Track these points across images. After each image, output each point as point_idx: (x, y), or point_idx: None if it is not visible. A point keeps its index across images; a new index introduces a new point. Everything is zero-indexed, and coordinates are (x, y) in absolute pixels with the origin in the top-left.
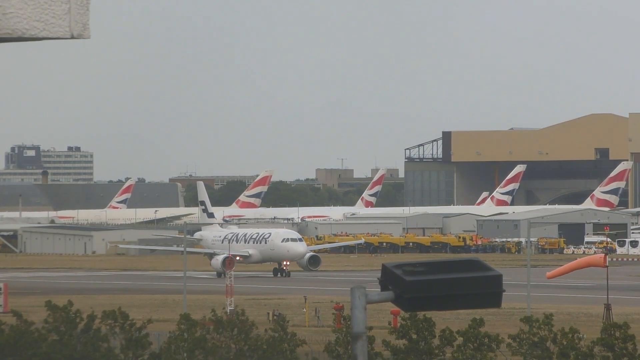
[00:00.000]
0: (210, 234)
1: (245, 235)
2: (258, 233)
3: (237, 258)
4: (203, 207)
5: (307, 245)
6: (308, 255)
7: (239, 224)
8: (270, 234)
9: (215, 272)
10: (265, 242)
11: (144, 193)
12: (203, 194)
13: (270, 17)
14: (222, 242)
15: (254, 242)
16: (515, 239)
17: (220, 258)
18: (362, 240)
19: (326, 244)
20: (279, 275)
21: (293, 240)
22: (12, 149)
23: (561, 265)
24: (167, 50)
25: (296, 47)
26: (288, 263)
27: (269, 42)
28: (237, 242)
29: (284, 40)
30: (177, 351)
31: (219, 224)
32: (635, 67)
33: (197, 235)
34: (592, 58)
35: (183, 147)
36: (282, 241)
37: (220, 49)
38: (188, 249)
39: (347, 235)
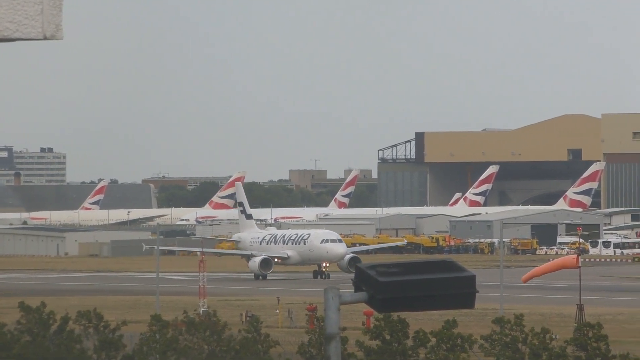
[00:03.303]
0: (249, 235)
1: (283, 237)
2: (297, 234)
3: (276, 260)
4: (241, 208)
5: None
6: (348, 256)
7: (212, 224)
8: (309, 234)
9: (253, 274)
10: (304, 244)
11: (116, 194)
12: (241, 195)
13: (243, 20)
14: (260, 244)
15: (292, 244)
16: (488, 240)
17: (257, 260)
18: (405, 242)
19: (367, 246)
20: (319, 277)
21: (332, 241)
22: None
23: (534, 267)
24: (139, 51)
25: (269, 49)
26: (327, 265)
27: (243, 43)
28: (275, 244)
29: (257, 42)
30: (150, 352)
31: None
32: (608, 68)
33: (235, 237)
34: (564, 59)
35: (156, 148)
36: (322, 242)
37: (194, 50)
38: (225, 251)
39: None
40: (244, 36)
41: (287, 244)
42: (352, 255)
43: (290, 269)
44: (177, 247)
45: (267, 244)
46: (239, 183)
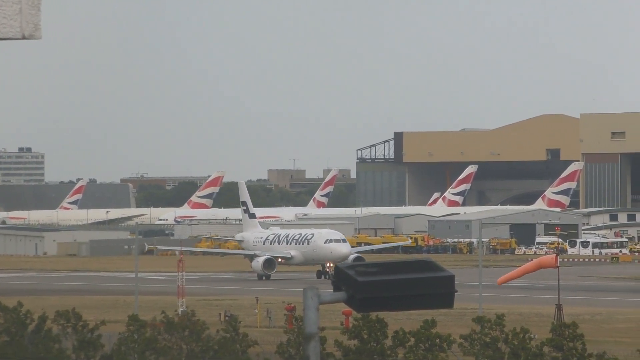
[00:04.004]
0: (252, 235)
1: (287, 237)
2: (300, 234)
3: (279, 260)
4: (244, 208)
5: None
6: (352, 256)
7: (191, 224)
8: (313, 234)
9: (256, 275)
10: (308, 243)
11: (95, 194)
12: (244, 194)
13: (223, 21)
14: (264, 244)
15: (296, 243)
16: (467, 240)
17: (260, 260)
18: (409, 241)
19: (372, 245)
20: (322, 277)
21: (336, 241)
22: None
23: (513, 267)
24: (118, 51)
25: (247, 47)
26: (331, 265)
27: (222, 44)
28: (279, 244)
29: (235, 41)
30: (128, 352)
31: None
32: (586, 67)
33: (238, 236)
34: (543, 59)
35: (134, 148)
36: (325, 242)
37: (171, 49)
38: (231, 251)
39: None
40: (223, 37)
41: (290, 244)
42: (356, 255)
43: (293, 269)
44: (180, 248)
45: (271, 243)
46: (242, 182)
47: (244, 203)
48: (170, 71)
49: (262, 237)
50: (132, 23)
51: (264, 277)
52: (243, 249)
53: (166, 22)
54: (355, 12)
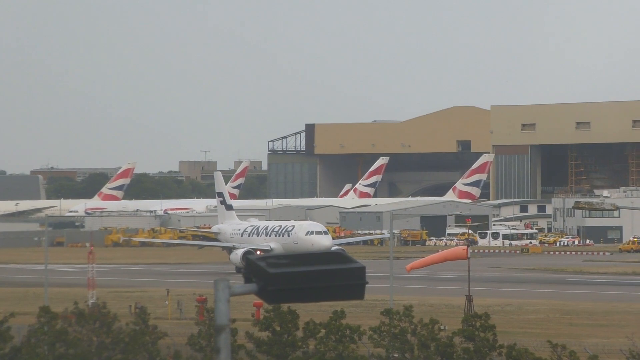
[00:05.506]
0: (229, 227)
1: (266, 228)
2: (280, 226)
3: (258, 252)
4: (221, 199)
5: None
6: (334, 248)
7: (101, 216)
8: (293, 226)
9: (234, 267)
10: (289, 235)
11: (4, 185)
12: (221, 185)
13: (117, 7)
14: (242, 236)
15: (276, 235)
16: (378, 231)
17: (239, 252)
18: (386, 233)
19: (352, 238)
20: None
21: (318, 233)
22: None
23: (422, 257)
24: (24, 38)
25: (157, 38)
26: None
27: (128, 32)
28: (257, 236)
29: (144, 32)
30: (38, 344)
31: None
32: (497, 60)
33: (214, 228)
34: (454, 50)
35: (44, 139)
36: (307, 234)
37: (78, 38)
38: (206, 243)
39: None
40: (135, 24)
41: (270, 236)
42: (337, 247)
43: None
44: (170, 240)
45: (249, 235)
46: (218, 173)
47: (220, 194)
48: (81, 62)
49: (239, 229)
50: (42, 12)
51: (242, 270)
52: (220, 241)
53: (73, 11)
54: (266, 5)
